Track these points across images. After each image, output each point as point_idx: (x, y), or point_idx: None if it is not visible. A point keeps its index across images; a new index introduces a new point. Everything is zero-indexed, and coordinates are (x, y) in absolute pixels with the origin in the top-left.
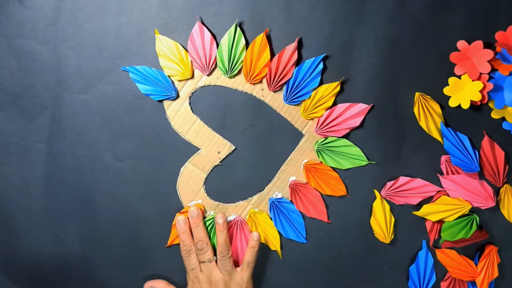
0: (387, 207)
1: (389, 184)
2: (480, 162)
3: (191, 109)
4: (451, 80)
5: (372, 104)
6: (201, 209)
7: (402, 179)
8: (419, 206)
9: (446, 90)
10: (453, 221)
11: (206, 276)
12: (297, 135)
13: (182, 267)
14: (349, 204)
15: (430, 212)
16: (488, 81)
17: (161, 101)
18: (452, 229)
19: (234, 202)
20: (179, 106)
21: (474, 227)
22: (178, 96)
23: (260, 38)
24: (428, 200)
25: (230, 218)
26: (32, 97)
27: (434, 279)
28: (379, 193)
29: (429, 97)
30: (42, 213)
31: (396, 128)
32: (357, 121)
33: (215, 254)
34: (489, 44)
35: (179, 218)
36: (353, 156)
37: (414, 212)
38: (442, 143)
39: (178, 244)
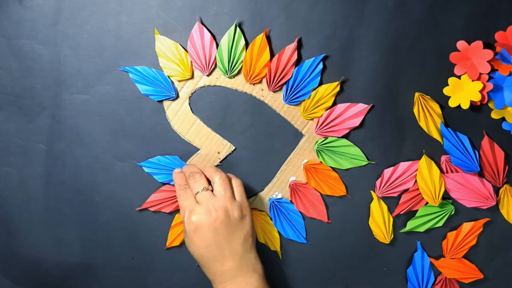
0: (385, 207)
1: (378, 183)
2: (480, 162)
3: (191, 109)
4: (451, 80)
5: (372, 104)
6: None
7: (386, 173)
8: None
9: (446, 90)
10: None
11: (204, 207)
12: (297, 135)
13: (182, 268)
14: (349, 204)
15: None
16: (488, 81)
17: (161, 101)
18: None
19: None
20: (179, 106)
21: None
22: (178, 97)
23: (260, 38)
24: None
25: None
26: (32, 97)
27: (433, 278)
28: (376, 194)
29: (429, 97)
30: (42, 214)
31: (396, 128)
32: (357, 121)
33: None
34: (489, 44)
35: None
36: (353, 156)
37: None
38: (442, 143)
39: (178, 245)
